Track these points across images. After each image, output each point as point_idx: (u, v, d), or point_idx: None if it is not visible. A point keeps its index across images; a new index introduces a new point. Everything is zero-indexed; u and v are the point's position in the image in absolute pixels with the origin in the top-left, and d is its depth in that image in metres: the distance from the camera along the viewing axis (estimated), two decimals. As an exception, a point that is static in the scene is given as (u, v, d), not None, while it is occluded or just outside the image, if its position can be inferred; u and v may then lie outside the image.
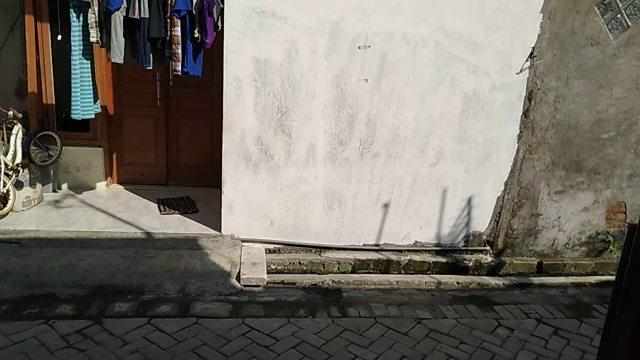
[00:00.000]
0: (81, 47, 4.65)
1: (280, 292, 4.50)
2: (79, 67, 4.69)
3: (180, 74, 4.61)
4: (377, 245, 5.32)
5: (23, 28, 5.55)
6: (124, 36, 4.51)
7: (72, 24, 4.57)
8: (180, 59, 4.54)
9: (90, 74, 4.79)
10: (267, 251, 5.07)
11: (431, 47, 4.83)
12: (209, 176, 6.15)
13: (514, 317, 4.40)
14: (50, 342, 3.43)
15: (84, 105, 4.79)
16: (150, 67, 4.62)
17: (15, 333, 3.49)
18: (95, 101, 4.93)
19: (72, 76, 4.67)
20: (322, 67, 4.75)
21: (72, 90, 4.70)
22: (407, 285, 4.90)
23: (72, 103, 4.73)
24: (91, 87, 4.82)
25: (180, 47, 4.51)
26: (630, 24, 5.00)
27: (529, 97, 5.11)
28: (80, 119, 4.83)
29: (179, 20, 4.43)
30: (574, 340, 4.10)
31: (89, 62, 4.76)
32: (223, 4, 4.49)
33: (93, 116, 4.97)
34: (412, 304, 4.51)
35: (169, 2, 4.39)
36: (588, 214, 5.58)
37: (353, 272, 5.12)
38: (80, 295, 4.06)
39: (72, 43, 4.61)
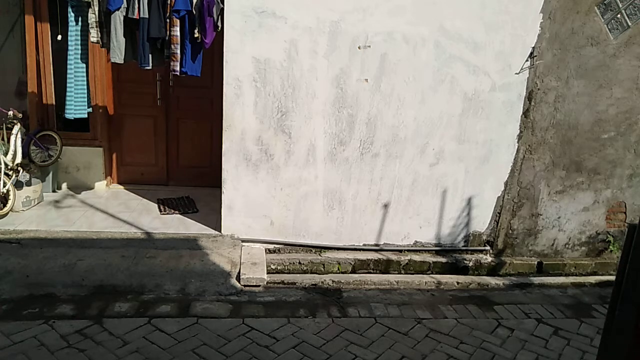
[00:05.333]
0: (78, 48, 4.70)
1: (280, 292, 4.50)
2: (74, 67, 4.75)
3: (178, 74, 4.61)
4: (377, 245, 5.32)
5: (23, 28, 5.55)
6: (124, 36, 4.51)
7: (70, 24, 4.62)
8: (179, 59, 4.54)
9: (84, 75, 4.85)
10: (267, 251, 5.07)
11: (431, 47, 4.83)
12: (209, 176, 6.15)
13: (514, 317, 4.40)
14: (50, 342, 3.43)
15: (77, 105, 4.86)
16: (149, 67, 4.62)
17: (15, 333, 3.49)
18: (88, 102, 4.99)
19: (68, 76, 4.74)
20: (322, 67, 4.75)
21: (67, 89, 4.76)
22: (407, 285, 4.90)
23: (67, 102, 4.80)
24: (85, 88, 4.89)
25: (179, 47, 4.51)
26: (630, 24, 5.00)
27: (529, 97, 5.11)
28: (72, 118, 4.89)
29: (178, 20, 4.43)
30: (574, 340, 4.10)
31: (84, 63, 4.82)
32: (223, 4, 4.49)
33: (86, 116, 5.05)
34: (412, 304, 4.51)
35: (169, 2, 4.39)
36: (588, 214, 5.58)
37: (353, 272, 5.12)
38: (80, 295, 4.05)
39: (69, 43, 4.66)
